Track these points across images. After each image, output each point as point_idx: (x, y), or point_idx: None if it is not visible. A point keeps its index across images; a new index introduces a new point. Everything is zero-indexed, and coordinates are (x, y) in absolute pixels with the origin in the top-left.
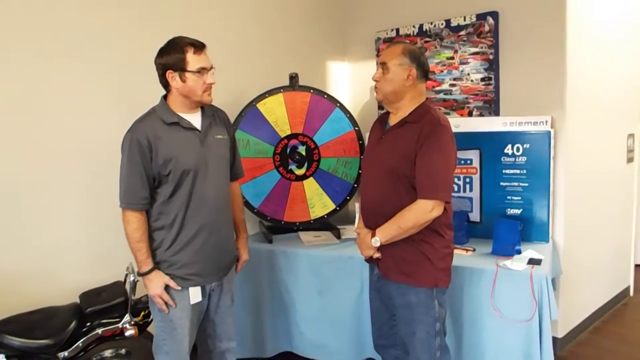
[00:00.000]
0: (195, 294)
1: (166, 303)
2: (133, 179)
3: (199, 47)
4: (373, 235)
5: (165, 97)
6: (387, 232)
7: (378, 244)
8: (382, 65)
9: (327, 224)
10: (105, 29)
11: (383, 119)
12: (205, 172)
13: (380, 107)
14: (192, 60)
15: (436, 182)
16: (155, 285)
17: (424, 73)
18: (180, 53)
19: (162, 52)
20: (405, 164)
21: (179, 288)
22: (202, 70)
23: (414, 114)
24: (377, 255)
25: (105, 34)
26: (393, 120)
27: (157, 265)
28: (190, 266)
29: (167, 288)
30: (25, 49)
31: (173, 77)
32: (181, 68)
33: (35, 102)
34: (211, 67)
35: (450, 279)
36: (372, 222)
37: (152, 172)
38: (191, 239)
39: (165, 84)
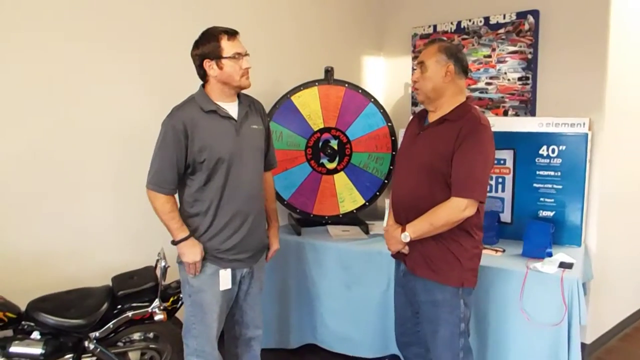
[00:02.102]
0: (225, 281)
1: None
2: (163, 163)
3: (232, 33)
4: (403, 230)
5: (203, 86)
6: (418, 228)
7: (407, 240)
8: (420, 64)
9: (355, 219)
10: (145, 20)
11: (422, 115)
12: (240, 161)
13: (415, 104)
14: (227, 46)
15: (472, 181)
16: (193, 251)
17: (463, 68)
18: (215, 41)
19: (198, 43)
20: (442, 161)
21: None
22: (237, 56)
23: (455, 112)
24: (405, 250)
25: (145, 25)
26: (432, 117)
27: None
28: (223, 253)
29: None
30: (70, 36)
31: (210, 66)
32: (217, 56)
33: (74, 86)
34: (246, 53)
35: (477, 280)
36: (403, 218)
37: (185, 159)
38: (224, 226)
39: (203, 75)
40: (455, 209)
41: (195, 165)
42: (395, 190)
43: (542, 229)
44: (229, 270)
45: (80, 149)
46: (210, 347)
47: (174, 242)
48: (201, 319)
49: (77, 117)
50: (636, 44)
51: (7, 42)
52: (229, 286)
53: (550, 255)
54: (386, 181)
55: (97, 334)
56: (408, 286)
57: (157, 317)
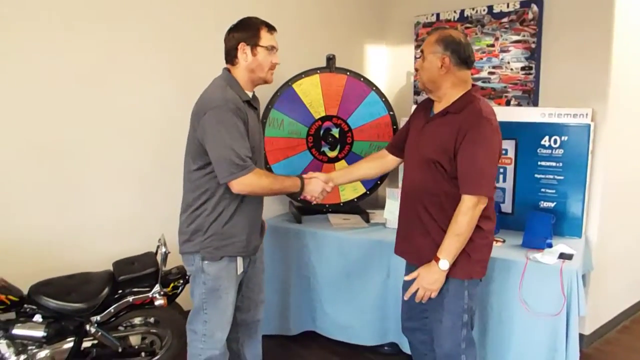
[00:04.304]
0: (240, 264)
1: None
2: (239, 147)
3: (272, 28)
4: (437, 260)
5: (227, 70)
6: (449, 247)
7: (447, 267)
8: (422, 53)
9: (356, 208)
10: (166, 11)
11: (428, 105)
12: (260, 150)
13: (417, 93)
14: (265, 37)
15: (479, 177)
16: (315, 183)
17: (462, 59)
18: (255, 29)
19: (237, 27)
20: (443, 156)
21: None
22: (272, 49)
23: (457, 104)
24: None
25: (167, 19)
26: (437, 108)
27: (211, 236)
28: (242, 239)
29: (209, 260)
30: (95, 31)
31: (244, 50)
32: (254, 43)
33: (83, 80)
34: (277, 50)
35: (486, 271)
36: (411, 207)
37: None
38: (248, 212)
39: (233, 58)
40: (470, 209)
41: None
42: (404, 181)
43: (542, 219)
44: None
45: (82, 138)
46: (221, 332)
47: (299, 194)
48: (215, 304)
49: (79, 108)
50: None
51: (32, 35)
52: (242, 269)
53: (550, 246)
54: None
55: (98, 317)
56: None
57: (157, 302)
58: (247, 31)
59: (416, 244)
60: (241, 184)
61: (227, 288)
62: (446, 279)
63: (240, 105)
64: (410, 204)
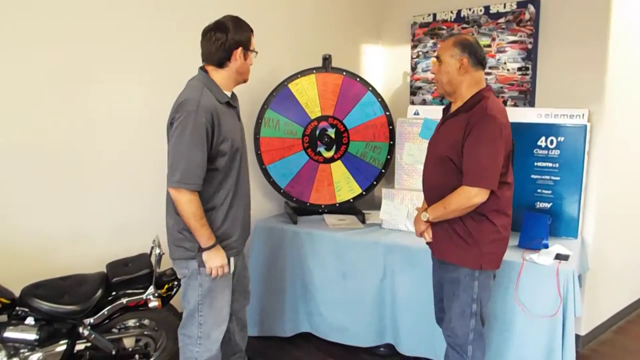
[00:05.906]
0: (233, 262)
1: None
2: (194, 158)
3: (252, 30)
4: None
5: (205, 72)
6: (435, 211)
7: (425, 219)
8: (438, 59)
9: (352, 208)
10: (144, 13)
11: (447, 108)
12: (245, 149)
13: (413, 93)
14: (253, 40)
15: (479, 170)
16: (220, 255)
17: (478, 60)
18: (248, 32)
19: (233, 28)
20: (453, 152)
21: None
22: (254, 52)
23: (468, 103)
24: (428, 237)
25: (146, 19)
26: (453, 108)
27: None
28: (235, 240)
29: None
30: (72, 33)
31: (239, 55)
32: (247, 47)
33: (80, 82)
34: None
35: (499, 264)
36: (429, 200)
37: (210, 152)
38: (238, 214)
39: (224, 60)
40: (465, 197)
41: (219, 158)
42: (423, 176)
43: (539, 220)
44: None
45: (77, 138)
46: (217, 332)
47: (203, 249)
48: (210, 304)
49: (75, 109)
50: (637, 34)
51: (18, 41)
52: (234, 266)
53: (546, 246)
54: (383, 170)
55: (91, 320)
56: (438, 267)
57: (151, 304)
58: (244, 34)
59: (434, 236)
60: (177, 195)
61: (223, 287)
62: (459, 269)
63: (218, 108)
64: (428, 196)
